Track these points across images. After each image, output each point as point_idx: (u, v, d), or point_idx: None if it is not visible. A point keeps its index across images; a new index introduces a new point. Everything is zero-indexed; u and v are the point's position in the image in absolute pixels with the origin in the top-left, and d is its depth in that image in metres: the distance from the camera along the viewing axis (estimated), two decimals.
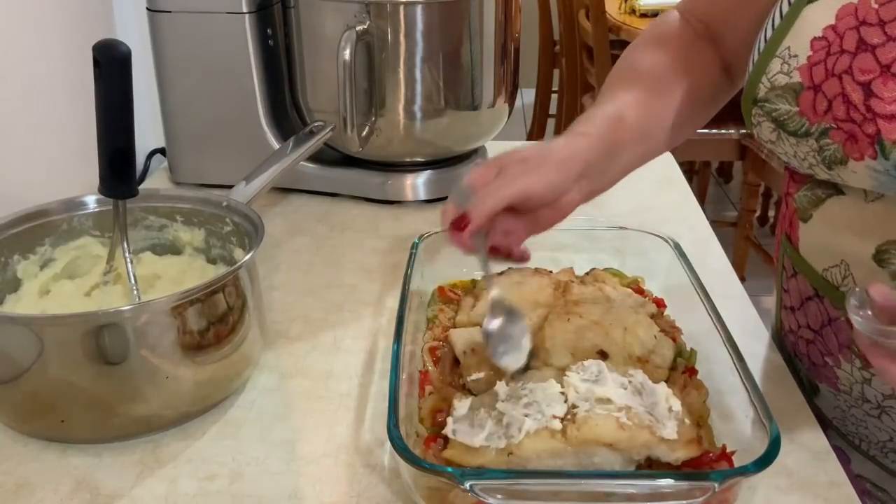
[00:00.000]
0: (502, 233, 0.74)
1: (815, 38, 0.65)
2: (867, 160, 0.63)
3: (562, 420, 0.63)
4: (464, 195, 0.71)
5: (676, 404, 0.65)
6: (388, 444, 0.67)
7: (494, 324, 0.72)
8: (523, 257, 0.77)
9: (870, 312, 0.55)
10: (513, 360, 0.71)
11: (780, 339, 0.88)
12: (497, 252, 0.75)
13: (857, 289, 0.56)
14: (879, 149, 0.62)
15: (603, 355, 0.71)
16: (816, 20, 0.66)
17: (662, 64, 0.82)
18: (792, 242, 0.80)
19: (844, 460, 0.79)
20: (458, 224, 0.70)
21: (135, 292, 0.82)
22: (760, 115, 0.70)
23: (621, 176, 0.79)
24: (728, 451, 0.65)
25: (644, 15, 2.83)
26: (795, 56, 0.66)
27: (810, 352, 0.81)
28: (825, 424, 0.79)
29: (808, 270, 0.78)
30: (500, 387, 0.68)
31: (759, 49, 0.70)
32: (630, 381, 0.67)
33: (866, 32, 0.62)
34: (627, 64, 0.85)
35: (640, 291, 0.87)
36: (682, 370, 0.75)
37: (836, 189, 0.71)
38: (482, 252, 0.73)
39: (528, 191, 0.70)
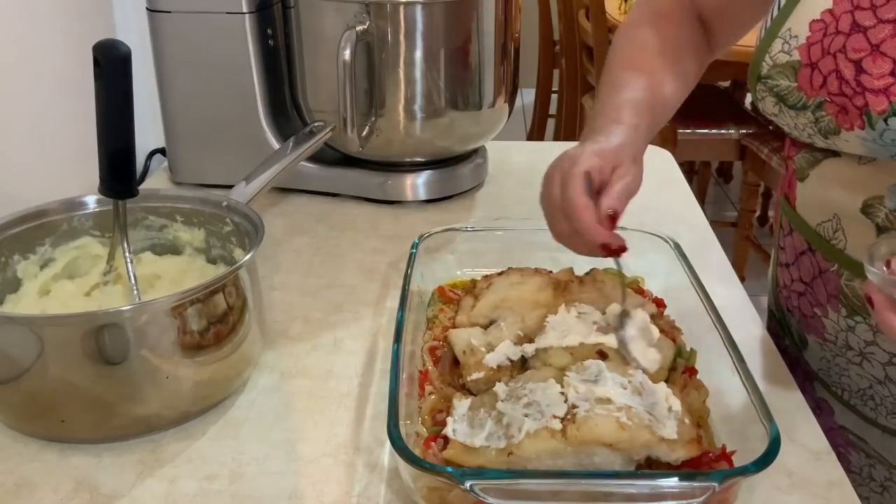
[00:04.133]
0: None
1: (813, 21, 0.71)
2: (856, 130, 0.69)
3: (562, 420, 0.63)
4: (588, 185, 0.70)
5: (676, 404, 0.65)
6: (388, 444, 0.67)
7: (629, 331, 0.73)
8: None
9: (884, 267, 0.62)
10: (650, 361, 0.71)
11: (776, 298, 0.94)
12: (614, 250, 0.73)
13: (877, 243, 0.63)
14: (867, 119, 0.68)
15: (603, 355, 0.71)
16: (815, 4, 0.72)
17: (666, 41, 0.87)
18: (790, 202, 0.87)
19: (828, 412, 0.84)
20: (612, 219, 0.70)
21: (135, 292, 0.82)
22: (764, 90, 0.76)
23: None
24: (728, 451, 0.65)
25: None
26: (795, 37, 0.73)
27: (801, 304, 0.86)
28: (812, 378, 0.86)
29: (803, 226, 0.84)
30: (500, 387, 0.68)
31: (763, 30, 0.76)
32: (630, 381, 0.67)
33: (860, 15, 0.68)
34: (638, 44, 0.88)
35: (640, 291, 0.87)
36: (682, 370, 0.75)
37: (832, 152, 0.77)
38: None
39: (639, 186, 0.75)
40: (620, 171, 0.73)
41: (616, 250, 0.70)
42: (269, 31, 1.16)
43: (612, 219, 0.70)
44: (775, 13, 0.75)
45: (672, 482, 0.59)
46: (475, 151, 1.25)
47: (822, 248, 0.81)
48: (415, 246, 0.89)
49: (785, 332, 0.91)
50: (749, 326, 0.90)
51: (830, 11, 0.70)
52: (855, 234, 0.77)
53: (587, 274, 0.87)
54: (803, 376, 0.84)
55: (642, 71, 0.84)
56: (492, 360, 0.73)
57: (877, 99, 0.67)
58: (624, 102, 0.80)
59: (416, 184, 1.19)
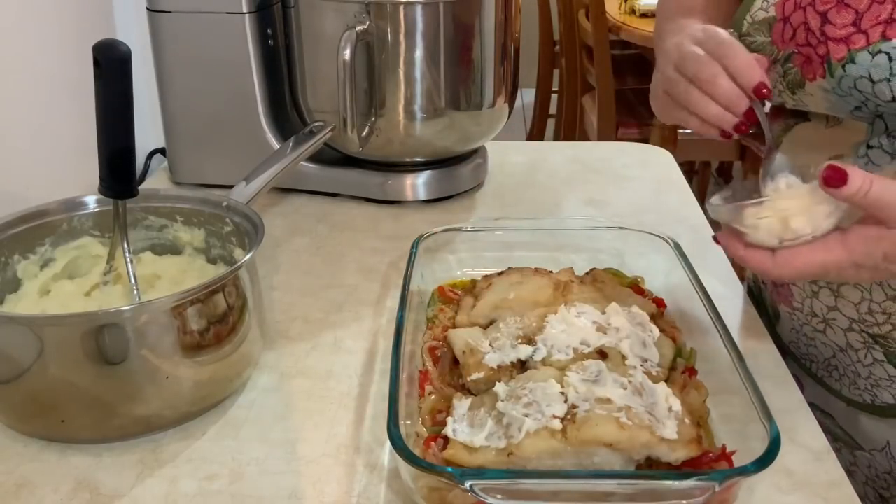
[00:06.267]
0: None
1: None
2: (818, 80, 0.72)
3: (562, 420, 0.63)
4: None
5: (676, 404, 0.66)
6: (388, 444, 0.67)
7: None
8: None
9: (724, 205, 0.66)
10: None
11: (753, 274, 0.96)
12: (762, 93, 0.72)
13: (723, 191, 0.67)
14: (827, 67, 0.71)
15: (603, 355, 0.71)
16: None
17: None
18: None
19: (799, 387, 0.84)
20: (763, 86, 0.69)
21: (135, 292, 0.82)
22: None
23: None
24: (728, 451, 0.65)
25: (644, 15, 2.82)
26: None
27: None
28: (784, 352, 0.88)
29: None
30: (500, 387, 0.68)
31: None
32: (630, 381, 0.67)
33: None
34: None
35: (640, 291, 0.87)
36: (682, 370, 0.75)
37: (804, 117, 0.81)
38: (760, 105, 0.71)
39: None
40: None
41: (765, 94, 0.69)
42: (269, 31, 1.16)
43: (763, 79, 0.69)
44: None
45: (672, 482, 0.59)
46: (475, 151, 1.25)
47: None
48: (415, 246, 0.89)
49: (760, 307, 0.93)
50: (749, 326, 0.90)
51: None
52: None
53: (587, 274, 0.87)
54: None
55: (694, 12, 0.85)
56: (492, 360, 0.73)
57: (837, 47, 0.70)
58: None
59: (416, 184, 1.19)
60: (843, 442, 0.88)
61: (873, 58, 0.68)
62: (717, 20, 0.86)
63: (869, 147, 0.74)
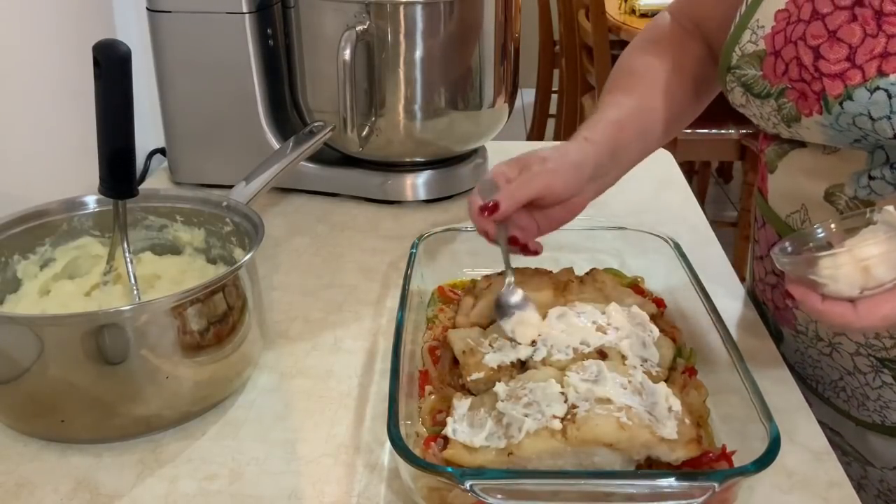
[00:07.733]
0: (519, 228, 0.79)
1: (778, 10, 0.73)
2: (815, 115, 0.71)
3: (562, 420, 0.63)
4: (489, 188, 0.77)
5: (676, 404, 0.65)
6: (388, 444, 0.67)
7: (509, 298, 0.78)
8: (536, 251, 0.81)
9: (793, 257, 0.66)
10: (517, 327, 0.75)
11: (753, 291, 0.95)
12: (515, 243, 0.79)
13: (782, 241, 0.67)
14: (824, 104, 0.69)
15: (603, 355, 0.71)
16: None
17: (657, 65, 0.88)
18: (763, 194, 0.88)
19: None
20: (489, 210, 0.74)
21: (135, 292, 0.82)
22: (733, 80, 0.78)
23: (625, 172, 0.85)
24: (728, 451, 0.65)
25: (644, 15, 2.83)
26: (762, 27, 0.74)
27: (774, 297, 0.88)
28: (789, 370, 0.86)
29: (774, 218, 0.85)
30: (500, 387, 0.68)
31: (735, 23, 0.77)
32: (630, 381, 0.67)
33: (819, 3, 0.70)
34: (625, 67, 0.91)
35: (640, 291, 0.87)
36: (682, 370, 0.75)
37: (799, 143, 0.79)
38: (503, 241, 0.77)
39: (549, 187, 0.76)
40: (523, 173, 0.77)
41: (492, 241, 0.77)
42: (269, 31, 1.16)
43: (490, 210, 0.74)
44: (744, 8, 0.76)
45: (672, 482, 0.59)
46: (475, 151, 1.25)
47: None
48: (415, 246, 0.89)
49: (763, 325, 0.92)
50: (749, 327, 0.90)
51: (794, 1, 0.72)
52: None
53: (587, 274, 0.87)
54: None
55: (620, 92, 0.86)
56: (492, 360, 0.73)
57: (833, 83, 0.68)
58: (589, 121, 0.83)
59: (416, 184, 1.19)
60: (853, 457, 0.87)
61: (871, 94, 0.67)
62: (656, 97, 0.86)
63: (871, 178, 0.72)
